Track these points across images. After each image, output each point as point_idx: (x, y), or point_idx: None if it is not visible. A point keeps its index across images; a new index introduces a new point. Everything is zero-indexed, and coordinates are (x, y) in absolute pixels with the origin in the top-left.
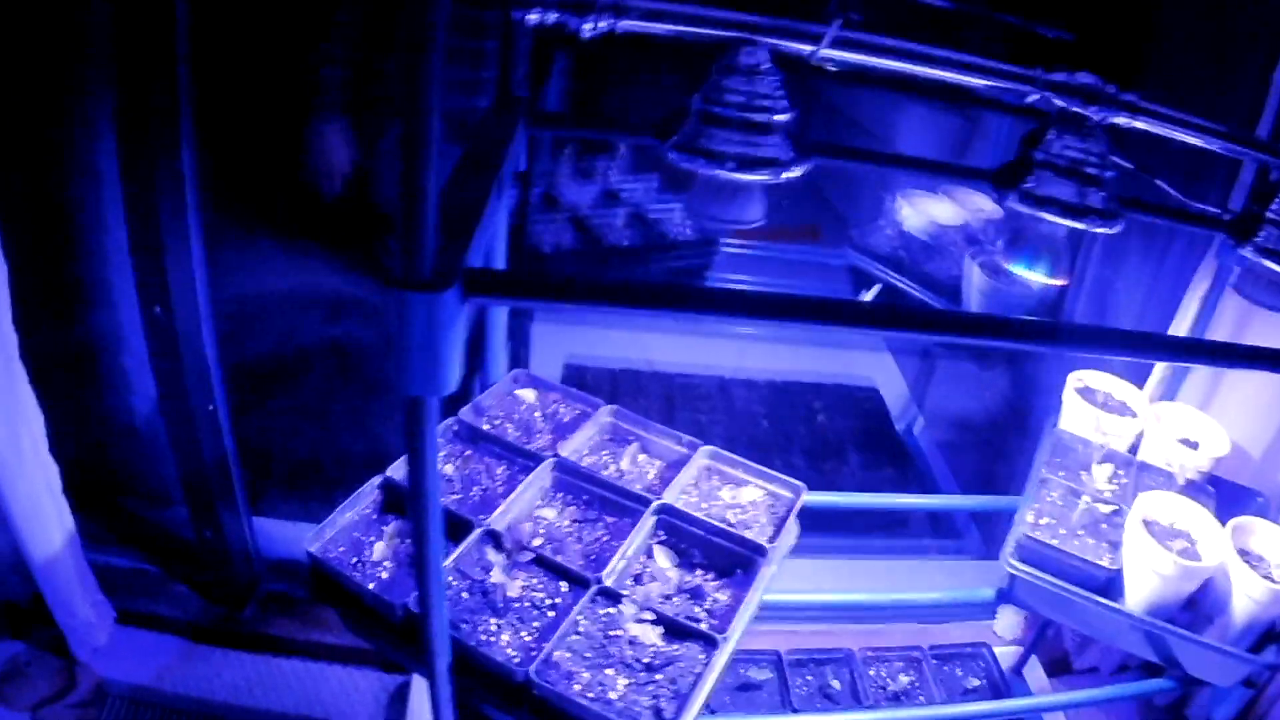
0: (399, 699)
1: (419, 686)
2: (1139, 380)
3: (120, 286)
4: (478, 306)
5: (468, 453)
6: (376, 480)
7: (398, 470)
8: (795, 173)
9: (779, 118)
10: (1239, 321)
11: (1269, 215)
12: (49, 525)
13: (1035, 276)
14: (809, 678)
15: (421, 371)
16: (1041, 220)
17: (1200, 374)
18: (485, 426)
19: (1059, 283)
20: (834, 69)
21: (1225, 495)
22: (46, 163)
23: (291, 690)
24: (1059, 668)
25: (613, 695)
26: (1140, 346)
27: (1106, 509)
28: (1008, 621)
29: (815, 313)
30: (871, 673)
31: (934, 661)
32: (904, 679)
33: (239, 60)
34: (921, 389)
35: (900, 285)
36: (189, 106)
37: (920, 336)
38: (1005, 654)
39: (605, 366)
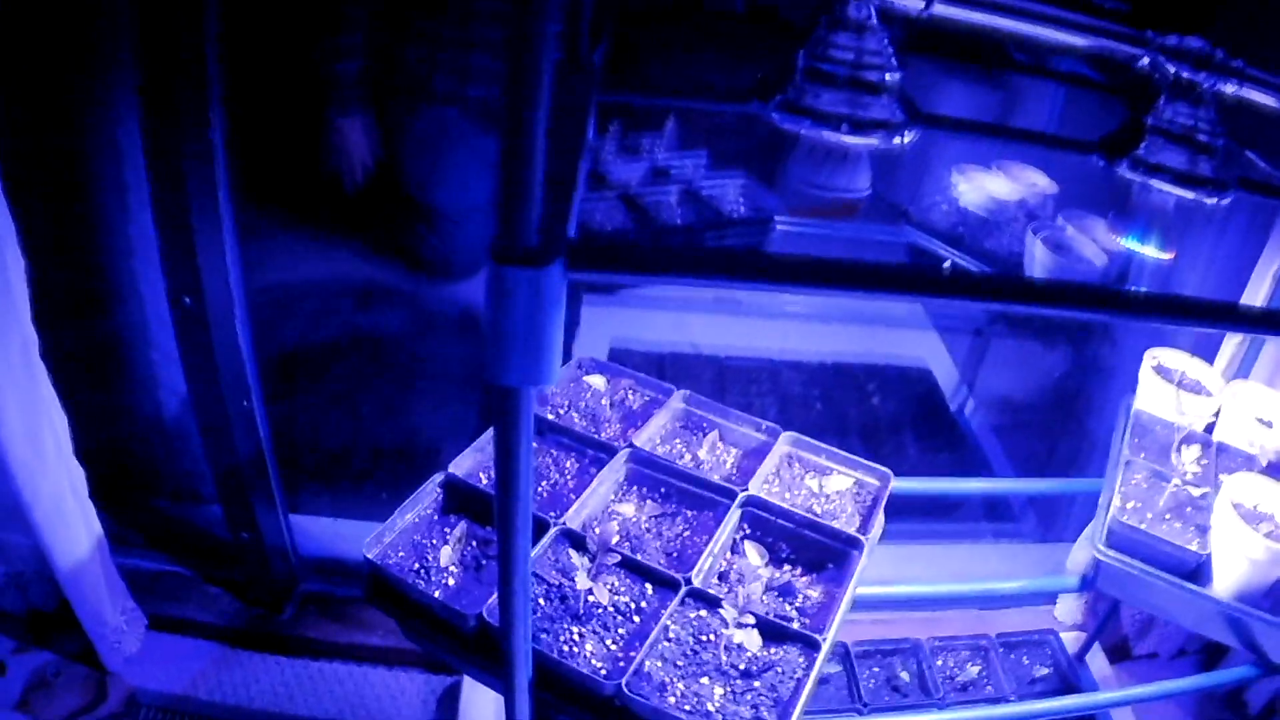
0: (448, 701)
1: (469, 688)
2: (1209, 358)
3: (146, 276)
4: (578, 281)
5: (534, 444)
6: (437, 478)
7: (459, 466)
8: (906, 138)
9: (889, 77)
10: None
11: None
12: (75, 530)
13: (1146, 250)
14: (876, 669)
15: (522, 358)
16: (1151, 190)
17: (1271, 351)
18: (550, 416)
19: (1168, 256)
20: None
21: None
22: (65, 143)
23: (333, 695)
24: (1119, 653)
25: (710, 706)
26: (1232, 318)
27: (1196, 492)
28: (1068, 607)
29: (941, 287)
30: (939, 663)
31: (1001, 650)
32: (972, 669)
33: (265, 47)
34: (973, 370)
35: (962, 262)
36: (218, 83)
37: (1019, 309)
38: (1067, 640)
39: (651, 350)
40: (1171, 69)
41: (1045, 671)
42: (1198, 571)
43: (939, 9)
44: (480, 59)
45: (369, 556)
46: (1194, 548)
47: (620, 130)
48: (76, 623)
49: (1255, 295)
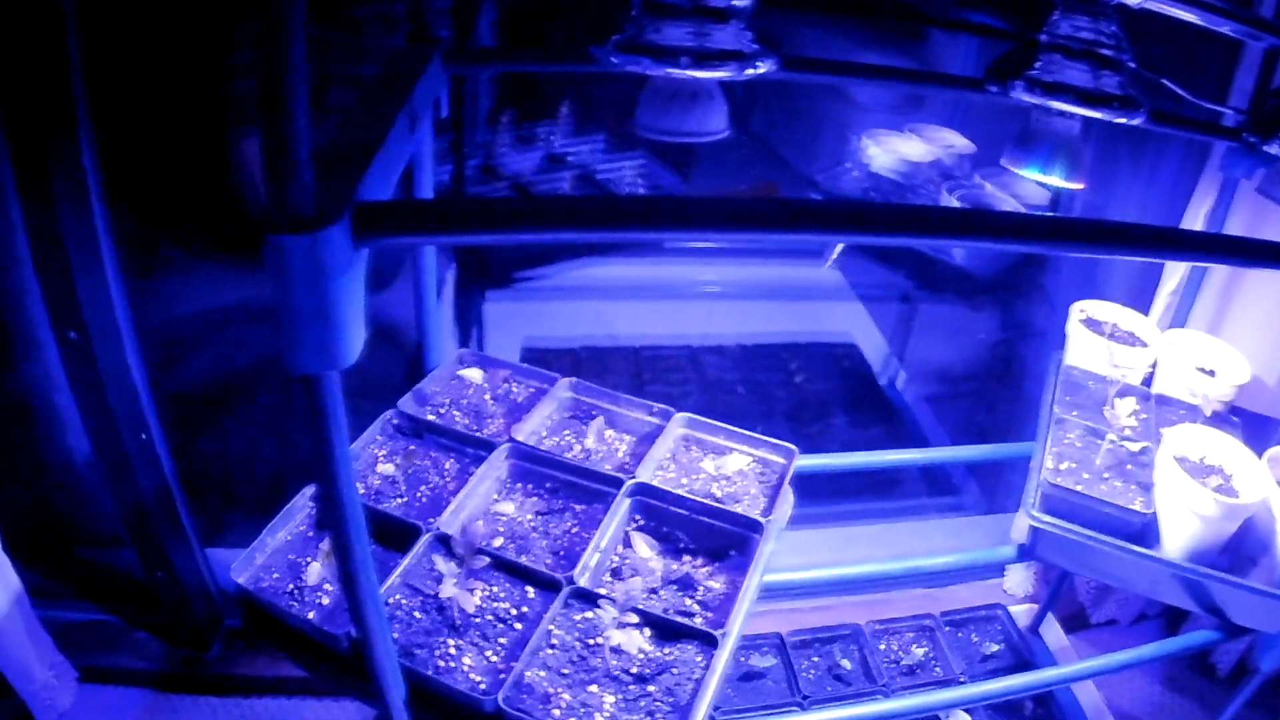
0: None
1: None
2: (1143, 308)
3: (41, 319)
4: (374, 247)
5: (411, 448)
6: (308, 491)
7: None
8: (761, 69)
9: (738, 2)
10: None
11: None
12: None
13: (1051, 179)
14: (816, 659)
15: (312, 339)
16: (1052, 114)
17: (1208, 299)
18: (430, 416)
19: (1076, 186)
20: None
21: (1251, 425)
22: None
23: None
24: (1076, 623)
25: (600, 717)
26: (1173, 245)
27: (1135, 447)
28: (1017, 578)
29: (750, 218)
30: (882, 647)
31: (948, 629)
32: (918, 650)
33: (144, 74)
34: (901, 339)
35: None
36: (86, 116)
37: (904, 240)
38: (1019, 613)
39: (566, 346)
40: None
41: (996, 648)
42: (1144, 532)
43: None
44: (373, 68)
45: (239, 581)
46: (1137, 507)
47: (514, 121)
48: (5, 685)
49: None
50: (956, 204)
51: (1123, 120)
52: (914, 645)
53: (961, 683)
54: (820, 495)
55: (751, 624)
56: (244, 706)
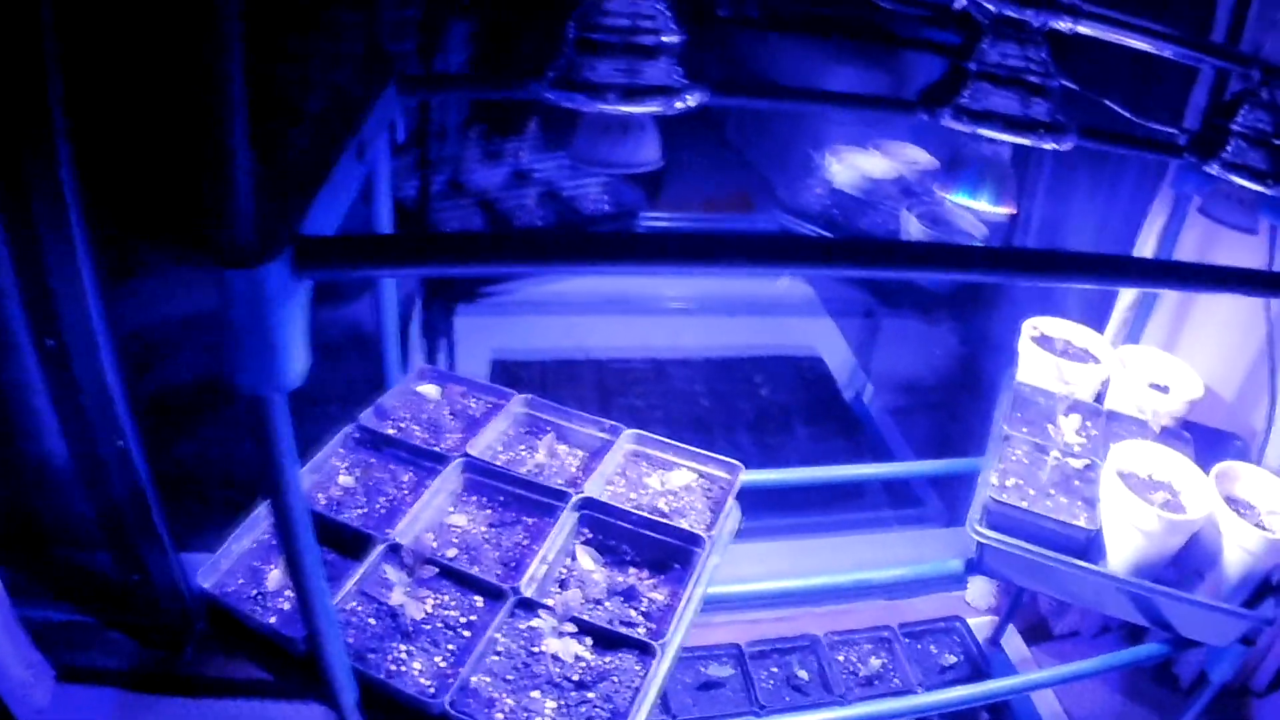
0: None
1: None
2: (1098, 327)
3: (18, 323)
4: (315, 279)
5: (370, 460)
6: (269, 502)
7: None
8: (690, 101)
9: (667, 39)
10: (1200, 255)
11: (1234, 128)
12: None
13: (979, 205)
14: (774, 669)
15: (256, 364)
16: (981, 139)
17: (1163, 315)
18: (389, 430)
19: (1005, 210)
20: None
21: (1203, 440)
22: None
23: None
24: (1038, 634)
25: None
26: (1115, 272)
27: (1078, 464)
28: (979, 590)
29: (718, 252)
30: (840, 658)
31: (906, 640)
32: (875, 661)
33: (118, 80)
34: (866, 353)
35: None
36: (64, 116)
37: (855, 272)
38: (980, 625)
39: (535, 359)
40: (993, 7)
41: (954, 659)
42: (1089, 547)
43: None
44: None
45: (204, 586)
46: (1081, 522)
47: (482, 136)
48: None
49: (1142, 254)
50: (915, 220)
51: (1050, 145)
52: (872, 656)
53: (914, 692)
54: (785, 507)
55: (710, 634)
56: (216, 707)
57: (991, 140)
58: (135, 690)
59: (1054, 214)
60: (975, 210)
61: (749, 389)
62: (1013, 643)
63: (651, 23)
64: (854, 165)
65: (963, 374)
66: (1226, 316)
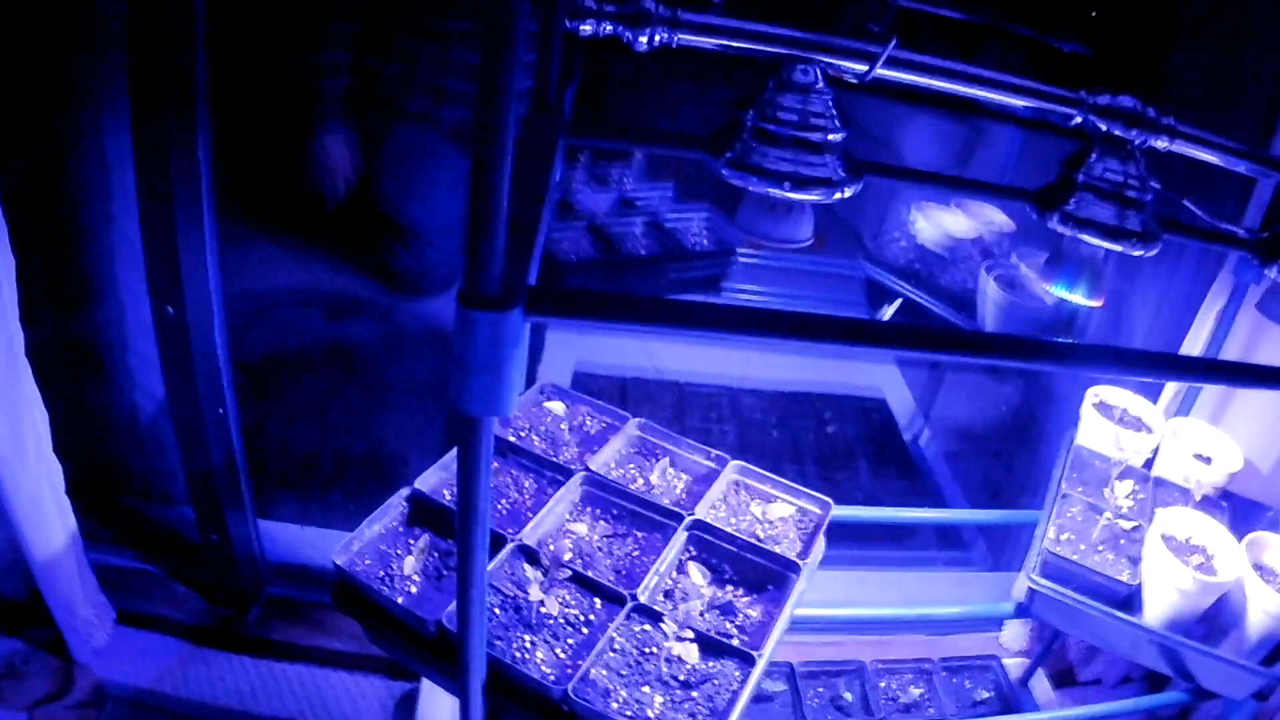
0: (405, 706)
1: (427, 694)
2: (1153, 396)
3: (127, 282)
4: (537, 323)
5: (494, 465)
6: (404, 492)
7: (425, 482)
8: (847, 193)
9: (833, 137)
10: (1250, 337)
11: None
12: (50, 524)
13: (1074, 298)
14: (821, 690)
15: (483, 392)
16: (1081, 242)
17: (1212, 390)
18: (512, 438)
19: (1096, 304)
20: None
21: (1238, 510)
22: (54, 152)
23: (295, 696)
24: (1064, 679)
25: (651, 713)
26: (1156, 367)
27: (1128, 525)
28: (1013, 633)
29: (859, 335)
30: (883, 685)
31: (944, 674)
32: (915, 691)
33: (253, 63)
34: (928, 401)
35: (916, 299)
36: (205, 96)
37: (940, 357)
38: (1012, 665)
39: (614, 375)
40: (1103, 126)
41: (987, 695)
42: (1129, 600)
43: (886, 72)
44: (456, 81)
45: (338, 563)
46: (1125, 578)
47: (590, 160)
48: (47, 614)
49: (1199, 335)
50: (993, 283)
51: (1139, 253)
52: (912, 685)
53: None
54: (842, 539)
55: None
56: (275, 669)
57: (1089, 244)
58: (195, 643)
59: (1120, 288)
60: (1072, 300)
61: (816, 424)
62: (1040, 685)
63: (821, 120)
64: (938, 222)
65: (1016, 427)
66: (1270, 394)
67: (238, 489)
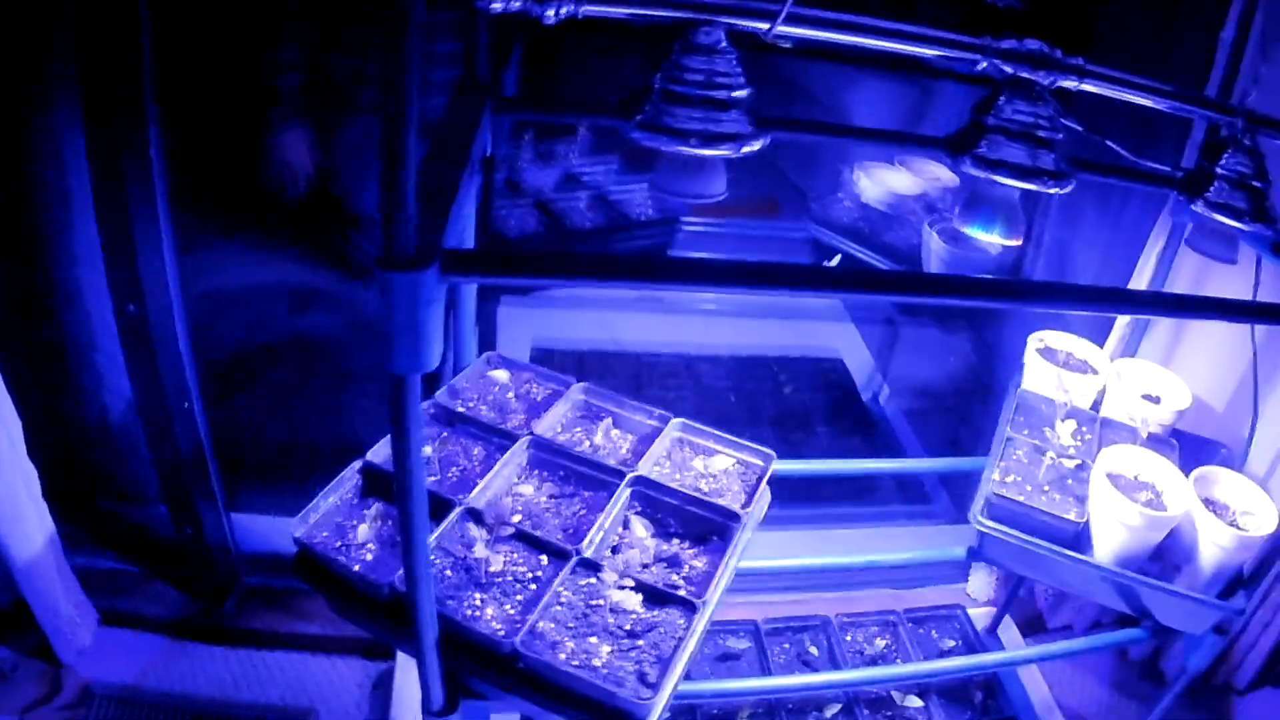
0: (382, 685)
1: (402, 671)
2: (1100, 340)
3: (90, 284)
4: (454, 284)
5: (444, 434)
6: (356, 465)
7: (377, 454)
8: (755, 146)
9: (737, 94)
10: (1197, 277)
11: (1219, 171)
12: (29, 528)
13: (991, 238)
14: (786, 645)
15: (406, 348)
16: (995, 183)
17: (1161, 331)
18: (460, 409)
19: (1014, 243)
20: (788, 45)
21: (1189, 448)
22: (10, 161)
23: (275, 682)
24: (1033, 627)
25: (597, 662)
26: (1100, 300)
27: (1071, 464)
28: (980, 583)
29: (775, 278)
30: (848, 638)
31: (909, 625)
32: (880, 643)
33: (204, 62)
34: (885, 357)
35: (861, 255)
36: (155, 101)
37: (883, 297)
38: (979, 615)
39: (572, 348)
40: (1008, 69)
41: (953, 644)
42: (1078, 539)
43: (788, 29)
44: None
45: (296, 535)
46: (1071, 516)
47: (535, 138)
48: (31, 620)
49: (1142, 277)
50: (936, 236)
51: (1053, 190)
52: (877, 638)
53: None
54: (804, 498)
55: (731, 611)
56: (255, 658)
57: (1003, 184)
58: (176, 637)
59: (1064, 236)
60: (980, 241)
61: (774, 387)
62: (1009, 633)
63: (726, 79)
64: (881, 181)
65: (974, 380)
66: (1219, 334)
67: (208, 482)
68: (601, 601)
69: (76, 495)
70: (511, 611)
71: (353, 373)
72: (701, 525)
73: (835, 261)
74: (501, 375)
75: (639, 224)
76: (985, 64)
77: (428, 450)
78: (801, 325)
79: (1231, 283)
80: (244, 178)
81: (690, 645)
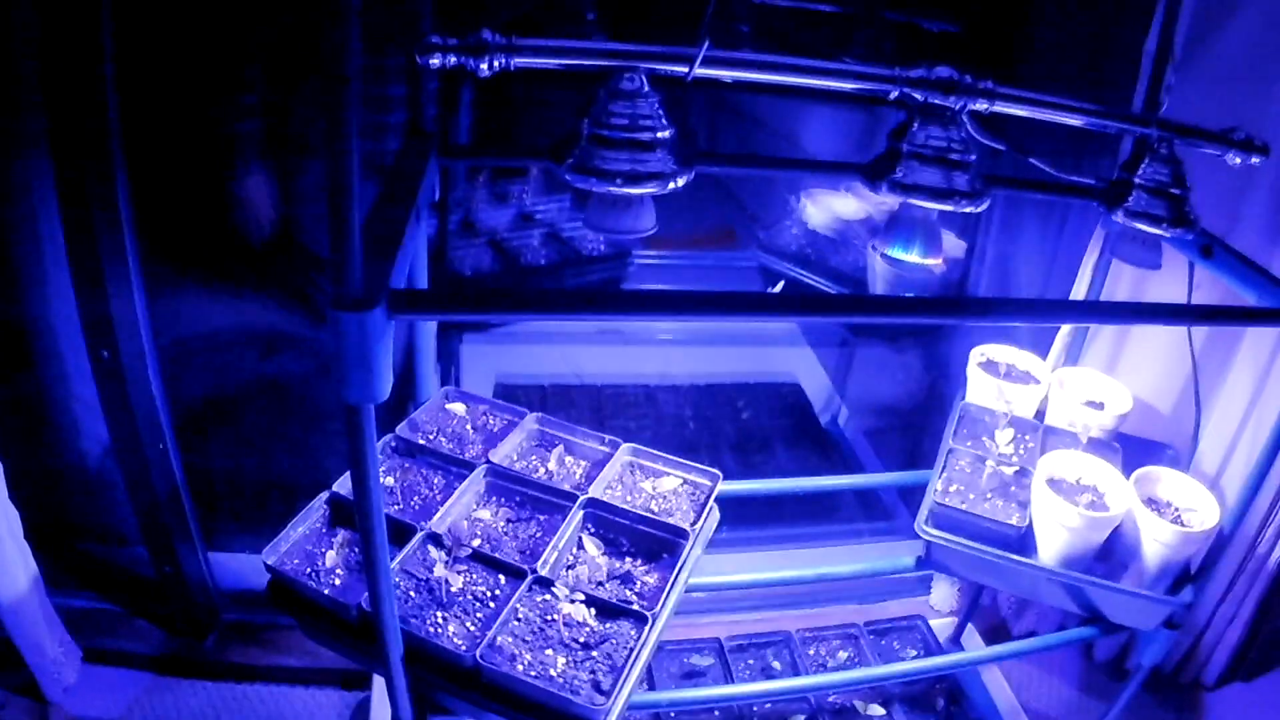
0: (360, 713)
1: (378, 701)
2: (1043, 351)
3: (65, 333)
4: (403, 322)
5: (406, 465)
6: (324, 496)
7: (343, 485)
8: (679, 183)
9: (661, 134)
10: (1135, 286)
11: (1136, 180)
12: (14, 570)
13: (910, 257)
14: (750, 661)
15: (357, 382)
16: (913, 206)
17: (1104, 339)
18: (421, 441)
19: (934, 262)
20: (730, 83)
21: (1134, 451)
22: None
23: (256, 714)
24: (998, 635)
25: (554, 672)
26: (1033, 311)
27: (1010, 470)
28: (942, 595)
29: (710, 306)
30: (811, 651)
31: (871, 636)
32: (842, 655)
33: (167, 114)
34: (842, 379)
35: (807, 280)
36: (122, 153)
37: (820, 319)
38: (942, 625)
39: (535, 383)
40: (919, 96)
41: (915, 654)
42: (1022, 542)
43: (712, 72)
44: (365, 114)
45: (268, 562)
46: (1014, 521)
47: (489, 179)
48: (17, 659)
49: (1080, 286)
50: (880, 259)
51: (968, 209)
52: (840, 650)
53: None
54: (764, 519)
55: (695, 630)
56: (236, 691)
57: (921, 206)
58: (159, 673)
59: (1007, 252)
60: (906, 262)
61: (733, 413)
62: (972, 641)
63: (649, 121)
64: (827, 207)
65: (927, 397)
66: (1161, 340)
67: (185, 523)
68: (557, 616)
69: (58, 539)
70: (472, 628)
71: (322, 413)
72: (652, 543)
73: (778, 288)
74: (459, 408)
75: (591, 259)
76: (896, 93)
77: (390, 481)
78: (758, 351)
79: (1170, 289)
80: (210, 225)
81: (643, 655)
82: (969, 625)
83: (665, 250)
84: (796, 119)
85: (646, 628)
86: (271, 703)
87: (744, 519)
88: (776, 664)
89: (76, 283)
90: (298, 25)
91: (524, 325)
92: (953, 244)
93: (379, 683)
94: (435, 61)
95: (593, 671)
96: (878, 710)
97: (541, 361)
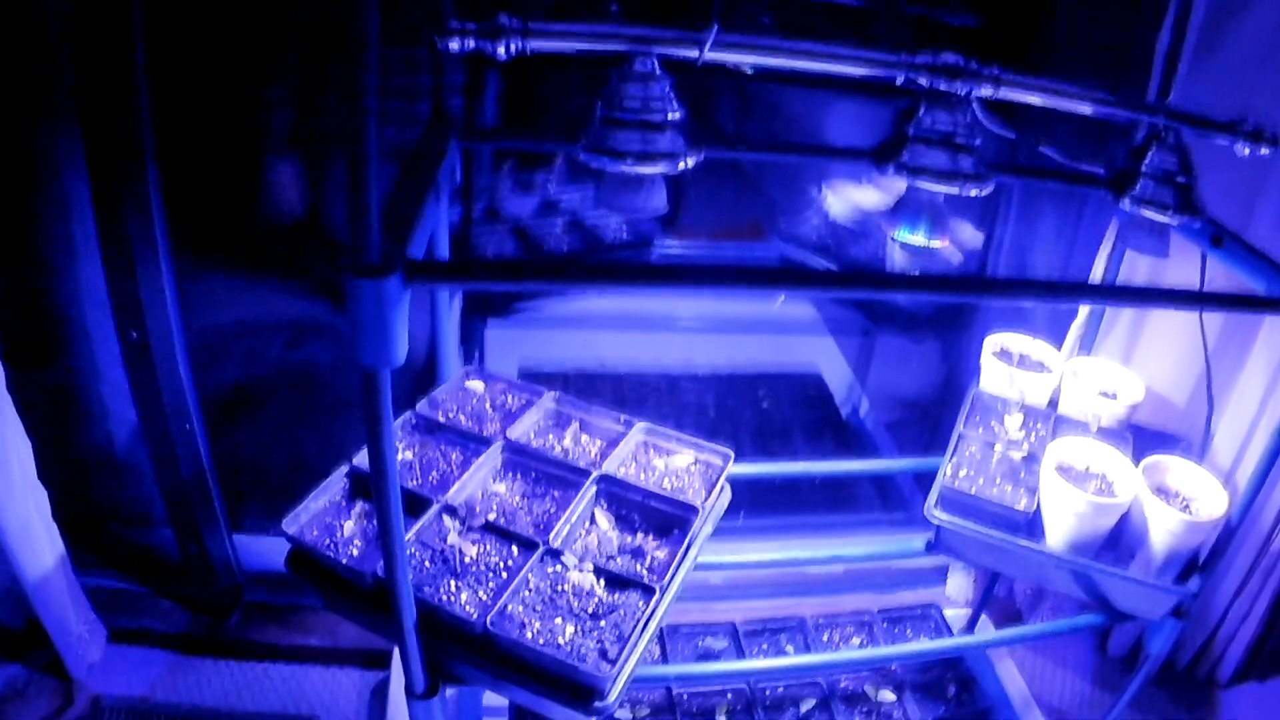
0: (379, 693)
1: (397, 679)
2: (1058, 342)
3: (94, 317)
4: (424, 297)
5: (425, 442)
6: (344, 469)
7: (362, 459)
8: (688, 163)
9: (671, 116)
10: (1151, 280)
11: (1143, 169)
12: (41, 550)
13: (916, 239)
14: (764, 645)
15: (374, 346)
16: (920, 189)
17: (1119, 329)
18: (440, 418)
19: (941, 244)
20: (749, 71)
21: (1145, 441)
22: (20, 208)
23: (278, 692)
24: (1012, 625)
25: (562, 640)
26: (1049, 293)
27: (1019, 456)
28: (958, 585)
29: (725, 279)
30: (824, 637)
31: (884, 624)
32: (856, 641)
33: (200, 102)
34: (863, 369)
35: (822, 268)
36: (153, 144)
37: (838, 293)
38: (956, 616)
39: (558, 370)
40: (924, 82)
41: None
42: (1030, 527)
43: (722, 55)
44: (395, 104)
45: (289, 532)
46: (1021, 505)
47: (514, 167)
48: (43, 638)
49: (1095, 274)
50: (899, 249)
51: (973, 192)
52: (854, 637)
53: (889, 667)
54: (782, 507)
55: (711, 614)
56: (258, 670)
57: (926, 189)
58: (182, 652)
59: (1024, 242)
60: (914, 244)
61: (753, 402)
62: (985, 631)
63: (660, 104)
64: (848, 198)
65: (947, 390)
66: (1177, 332)
67: (211, 506)
68: (567, 587)
69: (85, 520)
70: (484, 597)
71: (348, 401)
72: (663, 519)
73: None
74: (478, 386)
75: (613, 247)
76: (903, 77)
77: (409, 455)
78: (780, 340)
79: (1185, 273)
80: (239, 211)
81: (650, 628)
82: (983, 615)
83: (688, 240)
84: (820, 111)
85: (654, 599)
86: (293, 681)
87: (762, 506)
88: (790, 648)
89: (106, 264)
90: (329, 12)
91: (547, 310)
92: (971, 234)
93: (397, 662)
94: (454, 45)
95: (600, 640)
96: (889, 696)
97: (565, 347)
